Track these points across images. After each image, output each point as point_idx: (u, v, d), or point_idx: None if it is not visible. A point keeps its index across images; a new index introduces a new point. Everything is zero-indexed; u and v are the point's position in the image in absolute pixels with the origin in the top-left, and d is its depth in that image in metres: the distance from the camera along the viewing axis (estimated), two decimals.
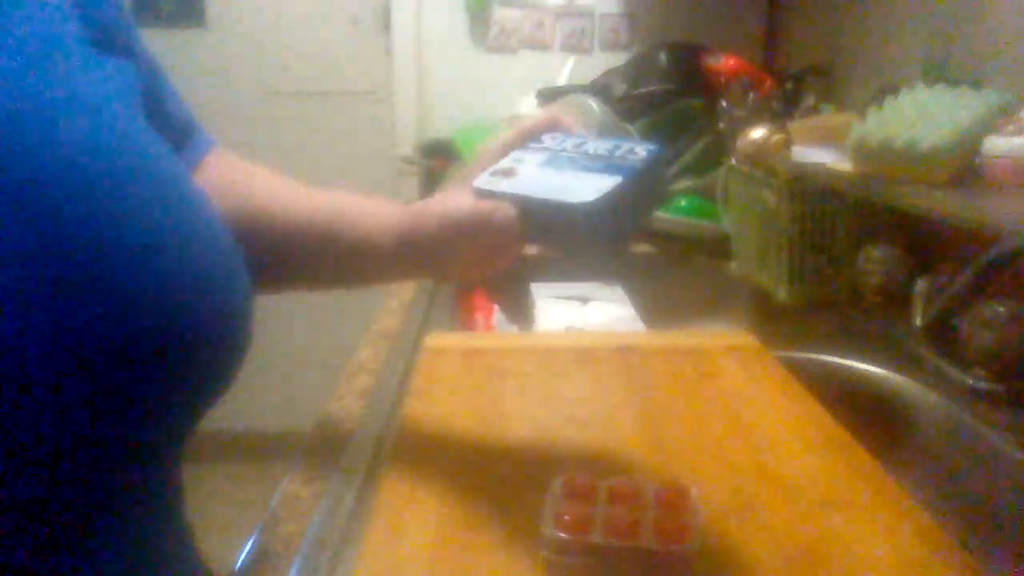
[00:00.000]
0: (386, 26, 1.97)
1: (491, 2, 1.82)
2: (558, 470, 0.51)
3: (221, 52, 2.35)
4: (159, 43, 0.52)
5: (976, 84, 0.83)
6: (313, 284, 0.60)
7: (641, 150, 0.48)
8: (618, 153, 0.48)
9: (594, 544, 0.44)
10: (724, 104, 1.24)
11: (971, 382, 0.73)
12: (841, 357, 0.84)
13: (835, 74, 1.32)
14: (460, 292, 1.12)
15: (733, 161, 1.11)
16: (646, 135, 1.31)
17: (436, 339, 0.84)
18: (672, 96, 1.38)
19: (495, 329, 0.99)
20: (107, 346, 0.30)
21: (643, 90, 1.41)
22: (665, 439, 0.62)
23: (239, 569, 0.49)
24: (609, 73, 1.56)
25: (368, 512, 0.52)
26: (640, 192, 0.47)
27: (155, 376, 0.32)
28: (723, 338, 0.84)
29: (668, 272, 1.27)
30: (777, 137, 0.99)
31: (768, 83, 1.33)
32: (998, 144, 0.67)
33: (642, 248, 1.33)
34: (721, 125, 1.25)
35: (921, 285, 0.85)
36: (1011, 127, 0.67)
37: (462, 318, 1.05)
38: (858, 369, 0.82)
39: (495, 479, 0.56)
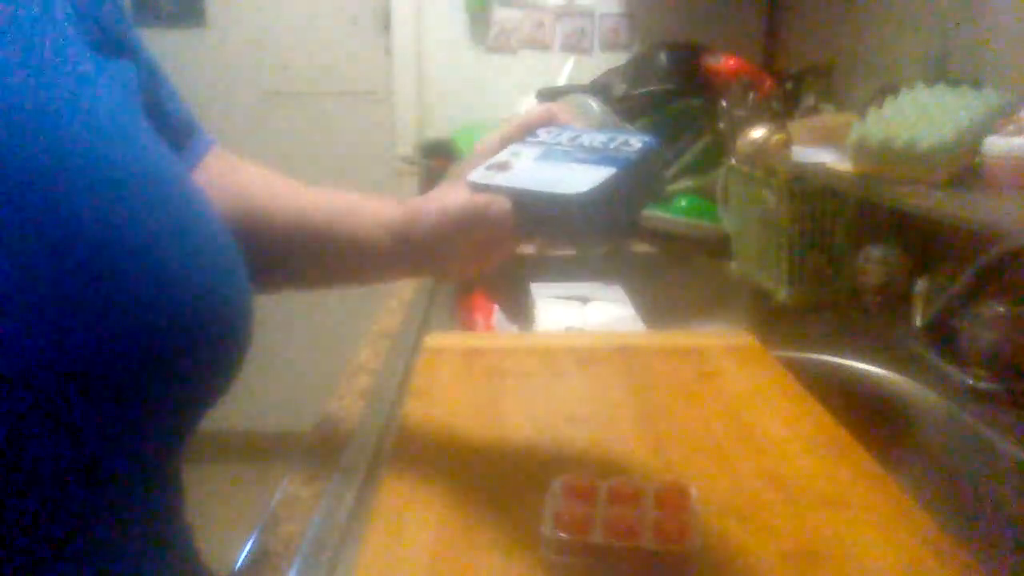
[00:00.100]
0: (386, 26, 1.97)
1: (491, 2, 1.82)
2: (558, 470, 0.51)
3: (221, 52, 2.35)
4: (159, 43, 0.52)
5: (976, 84, 0.83)
6: (312, 283, 0.60)
7: (636, 141, 0.48)
8: (612, 145, 0.48)
9: (594, 544, 0.44)
10: (724, 104, 1.24)
11: (971, 382, 0.73)
12: (841, 357, 0.84)
13: (835, 74, 1.32)
14: (460, 292, 1.12)
15: (733, 161, 1.11)
16: None
17: (436, 339, 0.84)
18: (672, 96, 1.38)
19: (495, 329, 0.99)
20: (108, 346, 0.30)
21: (643, 90, 1.41)
22: (665, 439, 0.62)
23: (239, 569, 0.49)
24: (609, 73, 1.56)
25: (368, 512, 0.52)
26: (635, 183, 0.47)
27: (156, 376, 0.32)
28: (723, 338, 0.84)
29: (668, 272, 1.27)
30: (777, 137, 0.99)
31: (768, 83, 1.32)
32: (998, 144, 0.67)
33: (642, 248, 1.33)
34: (721, 125, 1.25)
35: (921, 285, 0.85)
36: (1011, 127, 0.67)
37: (462, 318, 1.05)
38: (858, 369, 0.82)
39: (495, 479, 0.56)
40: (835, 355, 0.84)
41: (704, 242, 1.29)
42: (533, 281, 1.09)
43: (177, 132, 0.52)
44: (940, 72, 0.99)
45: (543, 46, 1.84)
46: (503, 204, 0.46)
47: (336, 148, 2.40)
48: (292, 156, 2.29)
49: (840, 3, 1.35)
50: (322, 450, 0.64)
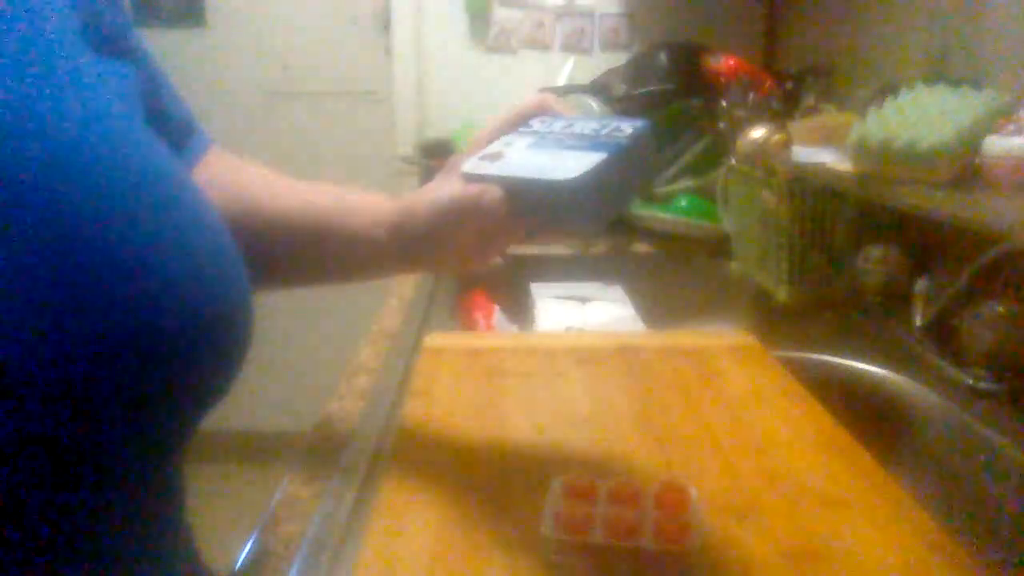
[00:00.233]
0: (386, 26, 1.97)
1: (491, 2, 1.82)
2: (558, 470, 0.51)
3: (221, 52, 2.35)
4: (159, 43, 0.52)
5: (976, 84, 0.83)
6: (310, 280, 0.60)
7: (627, 127, 0.49)
8: (604, 131, 0.49)
9: (594, 544, 0.44)
10: (724, 104, 1.24)
11: (971, 382, 0.73)
12: (841, 357, 0.84)
13: (835, 74, 1.32)
14: (460, 292, 1.12)
15: (733, 161, 1.11)
16: None
17: (436, 339, 0.84)
18: (672, 96, 1.38)
19: (495, 329, 0.99)
20: (108, 347, 0.30)
21: (643, 90, 1.41)
22: (665, 439, 0.62)
23: (239, 569, 0.49)
24: (609, 73, 1.56)
25: (368, 512, 0.53)
26: (627, 167, 0.47)
27: (156, 377, 0.32)
28: (723, 338, 0.84)
29: (668, 272, 1.27)
30: (777, 137, 0.99)
31: (768, 83, 1.32)
32: (998, 144, 0.67)
33: (642, 248, 1.33)
34: (721, 125, 1.25)
35: (921, 285, 0.85)
36: (1011, 127, 0.67)
37: (462, 318, 1.05)
38: (858, 369, 0.82)
39: (495, 479, 0.56)
40: (835, 355, 0.85)
41: (704, 242, 1.29)
42: (533, 281, 1.09)
43: (177, 132, 0.52)
44: (940, 72, 0.99)
45: (543, 46, 1.84)
46: (495, 193, 0.46)
47: (336, 148, 2.40)
48: (292, 156, 2.29)
49: (840, 3, 1.35)
50: (322, 450, 0.64)
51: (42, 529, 0.31)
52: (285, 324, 2.23)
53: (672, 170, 1.33)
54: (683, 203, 1.30)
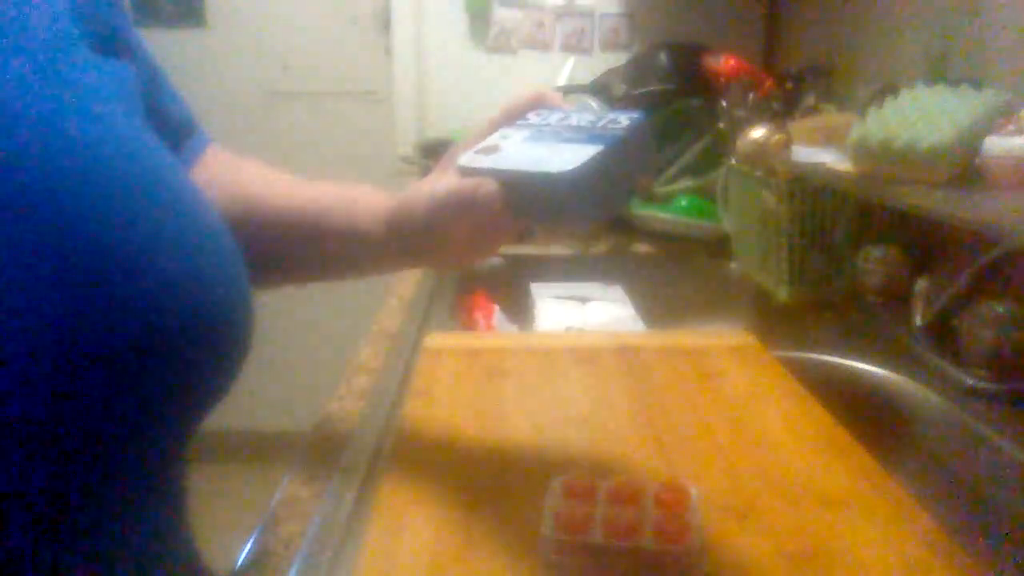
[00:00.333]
0: (386, 26, 1.97)
1: (491, 2, 1.82)
2: (558, 470, 0.51)
3: (221, 52, 2.35)
4: (159, 43, 0.52)
5: (976, 84, 0.83)
6: (309, 276, 0.60)
7: (624, 119, 0.48)
8: (600, 124, 0.48)
9: (594, 544, 0.44)
10: (724, 104, 1.24)
11: (971, 382, 0.73)
12: (841, 357, 0.84)
13: (835, 74, 1.31)
14: (460, 292, 1.12)
15: (733, 161, 1.11)
16: None
17: (436, 339, 0.84)
18: (672, 96, 1.38)
19: (495, 329, 0.99)
20: (108, 347, 0.30)
21: (643, 90, 1.41)
22: (665, 439, 0.62)
23: (239, 569, 0.49)
24: (609, 73, 1.56)
25: (368, 512, 0.53)
26: (625, 159, 0.47)
27: (157, 377, 0.32)
28: (723, 338, 0.84)
29: (668, 272, 1.27)
30: (777, 137, 0.99)
31: (768, 83, 1.32)
32: (998, 144, 0.67)
33: (642, 248, 1.33)
34: (721, 125, 1.25)
35: (921, 285, 0.85)
36: (1011, 127, 0.67)
37: (462, 318, 1.05)
38: (858, 369, 0.82)
39: (495, 479, 0.56)
40: (835, 355, 0.84)
41: (704, 242, 1.29)
42: (533, 281, 1.09)
43: (176, 132, 0.52)
44: (940, 72, 0.99)
45: (543, 46, 1.84)
46: (491, 186, 0.46)
47: (336, 148, 2.40)
48: (292, 156, 2.29)
49: (840, 3, 1.35)
50: (322, 450, 0.64)
51: (43, 528, 0.31)
52: (285, 324, 2.23)
53: (672, 170, 1.33)
54: (683, 203, 1.30)
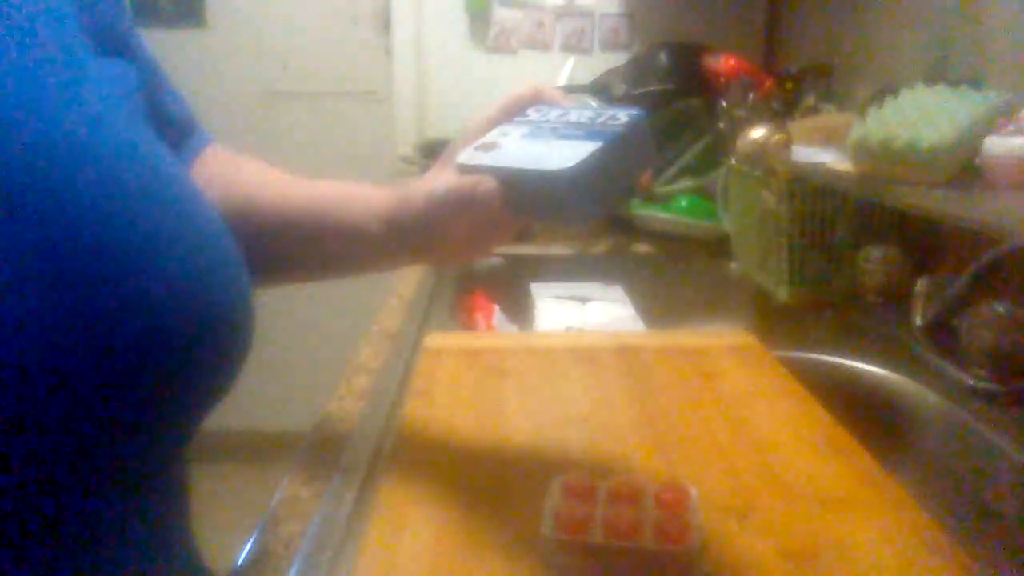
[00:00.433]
0: (386, 26, 1.97)
1: (491, 2, 1.82)
2: (558, 470, 0.51)
3: (221, 52, 2.35)
4: (159, 43, 0.52)
5: (976, 84, 0.83)
6: (309, 274, 0.60)
7: (623, 115, 0.48)
8: (599, 120, 0.48)
9: (594, 544, 0.44)
10: (724, 104, 1.24)
11: (971, 382, 0.73)
12: (841, 357, 0.84)
13: (835, 74, 1.32)
14: (460, 292, 1.12)
15: (733, 161, 1.11)
16: None
17: (436, 339, 0.84)
18: (672, 96, 1.38)
19: (495, 329, 0.99)
20: (108, 347, 0.30)
21: (643, 90, 1.41)
22: (665, 439, 0.62)
23: (239, 569, 0.49)
24: (609, 73, 1.56)
25: (368, 512, 0.52)
26: (624, 156, 0.46)
27: (157, 377, 0.32)
28: (723, 338, 0.84)
29: (668, 272, 1.27)
30: (777, 137, 0.99)
31: (768, 83, 1.32)
32: (998, 144, 0.67)
33: (642, 248, 1.33)
34: (721, 125, 1.25)
35: (921, 285, 0.85)
36: (1011, 127, 0.67)
37: (462, 318, 1.05)
38: (858, 369, 0.82)
39: (495, 479, 0.56)
40: (835, 355, 0.84)
41: (704, 242, 1.29)
42: (533, 281, 1.09)
43: (176, 131, 0.52)
44: (940, 72, 0.99)
45: (543, 46, 1.84)
46: (490, 184, 0.46)
47: (336, 148, 2.40)
48: (292, 156, 2.28)
49: (840, 3, 1.35)
50: (322, 450, 0.64)
51: (43, 528, 0.31)
52: (285, 324, 2.23)
53: (672, 170, 1.33)
54: (683, 203, 1.30)
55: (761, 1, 1.75)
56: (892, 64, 1.16)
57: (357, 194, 0.55)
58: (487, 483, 0.55)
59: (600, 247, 1.35)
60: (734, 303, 1.18)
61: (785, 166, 0.96)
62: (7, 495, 0.29)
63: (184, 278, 0.33)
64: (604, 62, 1.73)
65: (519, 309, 1.07)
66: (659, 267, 1.28)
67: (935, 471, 0.72)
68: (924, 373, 0.77)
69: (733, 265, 1.19)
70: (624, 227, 1.36)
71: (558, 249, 1.32)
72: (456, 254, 0.53)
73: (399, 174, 1.84)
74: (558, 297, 1.04)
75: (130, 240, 0.32)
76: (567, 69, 1.75)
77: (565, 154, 0.44)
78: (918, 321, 0.83)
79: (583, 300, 1.02)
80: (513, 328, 1.03)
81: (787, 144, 0.98)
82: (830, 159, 0.89)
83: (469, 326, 1.02)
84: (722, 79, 1.35)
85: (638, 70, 1.49)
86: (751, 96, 1.23)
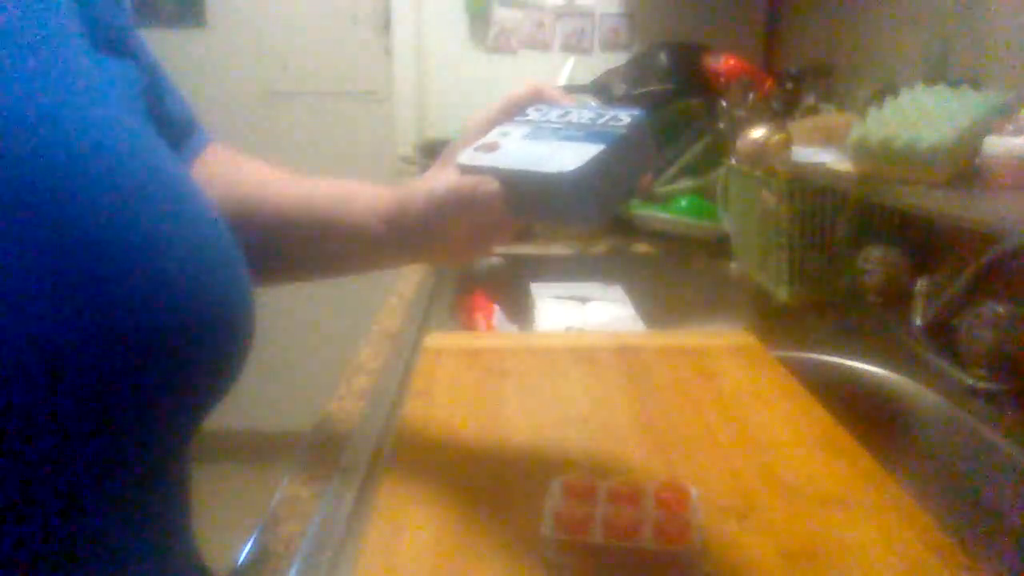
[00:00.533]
0: (386, 26, 1.97)
1: (491, 2, 1.82)
2: (558, 470, 0.51)
3: (221, 52, 2.35)
4: (159, 43, 0.52)
5: (976, 84, 0.83)
6: (309, 273, 0.60)
7: (625, 116, 0.48)
8: (601, 121, 0.48)
9: (594, 544, 0.44)
10: (724, 104, 1.24)
11: (971, 382, 0.73)
12: (841, 357, 0.84)
13: (835, 74, 1.32)
14: (460, 292, 1.12)
15: (733, 161, 1.11)
16: None
17: (436, 339, 0.84)
18: (672, 96, 1.38)
19: (495, 329, 0.99)
20: (109, 346, 0.30)
21: (643, 90, 1.41)
22: (665, 439, 0.62)
23: (239, 569, 0.49)
24: (609, 73, 1.56)
25: (368, 512, 0.52)
26: (625, 158, 0.46)
27: (157, 377, 0.32)
28: (723, 338, 0.84)
29: (668, 272, 1.27)
30: (777, 137, 0.99)
31: (768, 83, 1.33)
32: (998, 144, 0.67)
33: (642, 248, 1.33)
34: (721, 125, 1.25)
35: (921, 285, 0.85)
36: (1011, 127, 0.67)
37: (462, 318, 1.05)
38: (858, 369, 0.82)
39: (495, 479, 0.56)
40: (835, 355, 0.84)
41: (704, 242, 1.29)
42: (533, 281, 1.09)
43: (177, 131, 0.52)
44: (940, 72, 0.99)
45: (543, 46, 1.84)
46: (491, 185, 0.46)
47: (336, 148, 2.40)
48: (292, 156, 2.27)
49: (840, 3, 1.35)
50: (322, 450, 0.64)
51: (43, 528, 0.31)
52: (285, 324, 2.23)
53: (672, 170, 1.33)
54: (683, 203, 1.30)
55: (761, 1, 1.75)
56: (892, 64, 1.16)
57: (357, 193, 0.55)
58: (487, 483, 0.55)
59: (600, 247, 1.35)
60: (734, 303, 1.18)
61: (785, 166, 0.96)
62: (7, 494, 0.29)
63: (185, 277, 0.33)
64: (604, 62, 1.73)
65: (519, 309, 1.07)
66: (659, 267, 1.28)
67: (935, 471, 0.72)
68: (924, 373, 0.77)
69: (733, 265, 1.19)
70: (624, 227, 1.36)
71: (558, 249, 1.32)
72: (456, 254, 0.53)
73: (399, 174, 1.84)
74: (558, 297, 1.04)
75: (131, 239, 0.32)
76: (567, 69, 1.75)
77: (567, 156, 0.44)
78: (918, 321, 0.83)
79: (583, 300, 1.02)
80: (513, 328, 1.03)
81: (787, 144, 0.98)
82: (830, 159, 0.89)
83: (469, 326, 1.02)
84: (722, 79, 1.35)
85: (638, 70, 1.49)
86: (751, 96, 1.23)
